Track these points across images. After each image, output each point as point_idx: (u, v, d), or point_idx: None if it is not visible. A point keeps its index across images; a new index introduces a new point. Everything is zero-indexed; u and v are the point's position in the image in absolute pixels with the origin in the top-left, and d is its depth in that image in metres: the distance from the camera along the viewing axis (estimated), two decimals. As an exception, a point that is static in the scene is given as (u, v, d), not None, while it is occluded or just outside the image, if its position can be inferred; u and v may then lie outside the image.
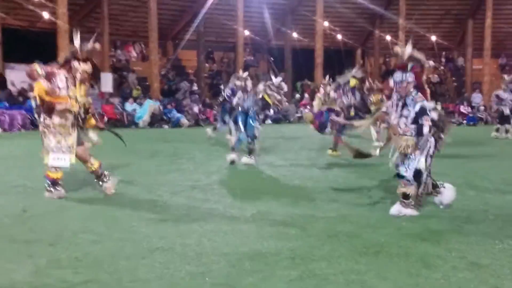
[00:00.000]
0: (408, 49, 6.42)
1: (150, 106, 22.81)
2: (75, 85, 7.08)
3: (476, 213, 6.26)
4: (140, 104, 23.26)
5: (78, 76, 7.05)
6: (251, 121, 10.31)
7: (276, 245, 4.94)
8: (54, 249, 4.86)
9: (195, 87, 27.94)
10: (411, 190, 6.13)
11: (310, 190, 7.88)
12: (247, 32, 29.55)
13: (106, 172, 7.42)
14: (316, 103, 12.62)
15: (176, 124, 22.80)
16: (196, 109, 24.78)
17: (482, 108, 27.63)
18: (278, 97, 10.72)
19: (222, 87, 25.06)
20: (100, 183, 7.33)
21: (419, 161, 6.10)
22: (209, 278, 4.12)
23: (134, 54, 29.43)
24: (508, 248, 4.90)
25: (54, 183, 7.09)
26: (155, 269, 4.32)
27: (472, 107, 28.06)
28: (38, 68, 7.09)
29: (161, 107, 23.53)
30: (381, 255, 4.70)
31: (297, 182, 8.58)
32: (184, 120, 23.00)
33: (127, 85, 26.16)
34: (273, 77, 11.03)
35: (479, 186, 8.15)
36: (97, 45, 7.38)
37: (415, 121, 6.03)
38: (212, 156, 11.82)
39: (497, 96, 17.58)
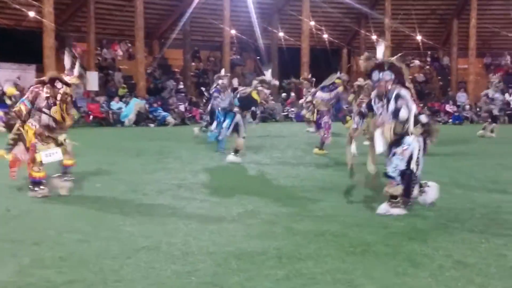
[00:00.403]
0: (380, 53, 6.39)
1: (136, 104, 22.71)
2: (55, 104, 7.05)
3: (463, 212, 6.27)
4: (126, 103, 23.15)
5: (59, 97, 7.01)
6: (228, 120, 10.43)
7: (262, 244, 4.92)
8: (38, 248, 4.80)
9: (181, 86, 27.87)
10: (398, 190, 6.13)
11: (296, 189, 7.86)
12: (233, 31, 29.51)
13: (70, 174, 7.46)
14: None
15: (162, 122, 22.72)
16: (182, 107, 24.74)
17: (467, 107, 27.81)
18: (268, 93, 10.72)
19: (203, 88, 25.28)
20: (65, 178, 7.32)
21: (411, 162, 6.09)
22: (195, 277, 4.09)
23: (120, 52, 29.30)
24: (494, 247, 4.91)
25: (38, 182, 7.04)
26: (141, 268, 4.28)
27: (458, 106, 28.24)
28: (24, 107, 7.08)
29: (147, 106, 23.46)
30: (368, 254, 4.69)
31: (283, 181, 8.56)
32: (170, 119, 22.93)
33: (113, 83, 26.05)
34: (265, 72, 10.99)
35: (465, 184, 8.18)
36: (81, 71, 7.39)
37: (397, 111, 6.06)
38: (199, 155, 11.78)
39: (487, 96, 17.66)
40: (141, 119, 22.65)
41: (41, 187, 7.05)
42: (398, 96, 6.06)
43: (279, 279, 4.06)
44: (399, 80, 6.21)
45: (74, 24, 27.68)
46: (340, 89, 12.00)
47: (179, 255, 4.60)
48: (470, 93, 29.28)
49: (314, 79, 16.90)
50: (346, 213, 6.26)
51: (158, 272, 4.19)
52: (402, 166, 6.10)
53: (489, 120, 17.82)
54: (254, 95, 10.46)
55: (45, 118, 7.06)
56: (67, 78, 7.11)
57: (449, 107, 28.00)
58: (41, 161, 7.02)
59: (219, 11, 28.51)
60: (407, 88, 6.22)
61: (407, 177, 6.17)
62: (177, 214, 6.17)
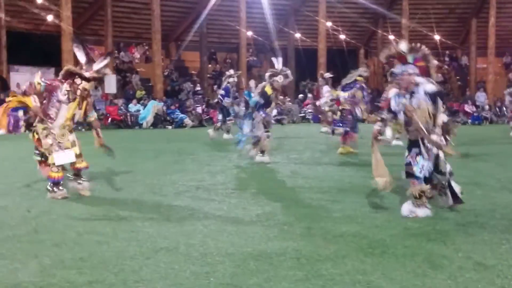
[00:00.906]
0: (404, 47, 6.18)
1: (154, 107, 22.84)
2: (74, 100, 7.08)
3: (483, 213, 6.21)
4: (144, 105, 23.29)
5: (78, 92, 7.04)
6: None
7: (281, 245, 4.92)
8: (58, 249, 4.85)
9: (198, 88, 27.98)
10: (421, 188, 5.98)
11: (314, 190, 7.84)
12: (249, 33, 29.54)
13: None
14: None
15: (180, 124, 22.81)
16: (199, 109, 24.80)
17: (486, 107, 27.56)
18: (284, 82, 10.63)
19: (215, 88, 25.39)
20: (80, 181, 7.28)
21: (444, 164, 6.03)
22: (214, 278, 4.10)
23: (137, 55, 29.50)
24: (515, 248, 4.87)
25: (56, 183, 7.08)
26: (160, 269, 4.30)
27: (477, 106, 27.99)
28: (39, 80, 7.05)
29: (164, 108, 23.55)
30: (387, 255, 4.67)
31: (301, 182, 8.55)
32: (187, 121, 23.01)
33: (131, 86, 26.21)
34: (275, 62, 10.91)
35: (485, 185, 8.10)
36: (108, 71, 7.34)
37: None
38: (216, 156, 11.81)
39: (511, 95, 17.44)
40: (159, 121, 22.77)
41: (60, 187, 7.10)
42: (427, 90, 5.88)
43: (298, 280, 4.06)
44: (424, 76, 6.02)
45: (92, 27, 27.93)
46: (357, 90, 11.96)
47: (197, 256, 4.62)
48: (489, 92, 29.01)
49: (331, 76, 16.76)
50: (364, 214, 6.23)
51: (177, 273, 4.21)
52: (429, 167, 6.01)
53: None
54: (267, 89, 10.43)
55: (63, 112, 7.07)
56: (86, 74, 7.04)
57: (468, 107, 27.76)
58: (55, 164, 7.06)
59: (235, 13, 28.57)
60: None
61: (447, 179, 6.11)
62: (195, 215, 6.19)
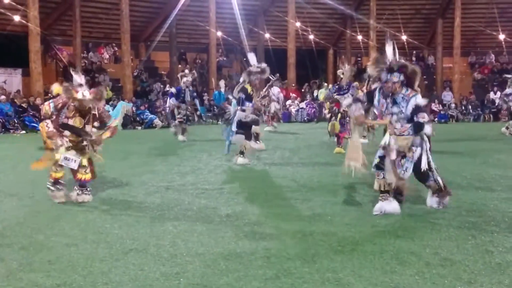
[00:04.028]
0: (389, 53, 6.20)
1: (123, 107, 22.63)
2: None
3: (450, 210, 6.31)
4: (113, 106, 23.07)
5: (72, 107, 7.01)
6: None
7: (251, 245, 4.94)
8: (26, 252, 4.79)
9: (168, 88, 27.81)
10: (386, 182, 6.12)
11: (284, 190, 7.88)
12: (219, 33, 29.51)
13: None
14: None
15: (150, 125, 22.68)
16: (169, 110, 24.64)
17: (452, 105, 28.01)
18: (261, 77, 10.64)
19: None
20: (79, 192, 7.05)
21: (423, 162, 6.11)
22: (184, 278, 4.09)
23: (106, 56, 29.24)
24: (481, 244, 4.96)
25: (56, 182, 6.99)
26: (129, 270, 4.28)
27: (443, 105, 28.42)
28: (47, 107, 7.10)
29: (134, 109, 23.38)
30: (356, 252, 4.72)
31: (271, 182, 8.58)
32: (157, 121, 22.90)
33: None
34: (249, 57, 10.93)
35: (452, 182, 8.18)
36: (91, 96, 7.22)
37: (411, 119, 6.02)
38: (186, 156, 11.77)
39: (505, 95, 17.55)
40: (128, 122, 22.59)
41: (58, 186, 6.98)
42: (417, 109, 5.98)
43: (268, 279, 4.07)
44: (408, 83, 6.11)
45: (60, 28, 27.59)
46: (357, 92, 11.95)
47: (167, 257, 4.60)
48: (455, 91, 29.51)
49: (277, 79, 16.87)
50: (334, 212, 6.28)
51: (146, 274, 4.20)
52: (411, 168, 6.09)
53: (510, 117, 17.57)
54: (247, 86, 10.43)
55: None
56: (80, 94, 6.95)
57: (434, 106, 28.16)
58: (58, 162, 6.96)
59: (204, 13, 28.52)
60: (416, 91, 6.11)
61: (434, 174, 6.28)
62: (165, 216, 6.17)
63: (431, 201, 6.38)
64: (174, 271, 4.26)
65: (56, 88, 7.26)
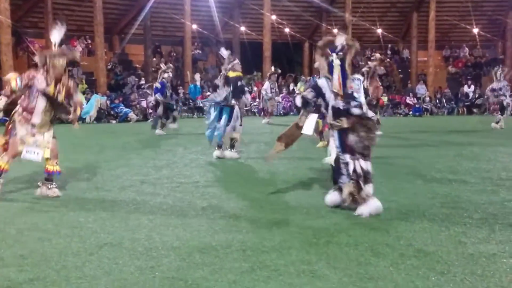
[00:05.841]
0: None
1: (97, 101, 22.46)
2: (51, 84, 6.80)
3: (423, 202, 6.38)
4: (87, 99, 22.85)
5: (51, 72, 6.75)
6: None
7: (226, 238, 4.92)
8: (-3, 247, 4.71)
9: (142, 82, 27.65)
10: (350, 188, 5.84)
11: (260, 183, 7.89)
12: (194, 26, 29.38)
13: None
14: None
15: (124, 119, 22.53)
16: (144, 103, 24.53)
17: (427, 99, 28.30)
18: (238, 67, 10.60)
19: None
20: (49, 186, 6.92)
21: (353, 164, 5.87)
22: (159, 272, 4.07)
23: (79, 48, 28.89)
24: (454, 235, 5.01)
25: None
26: (103, 264, 4.23)
27: (418, 98, 28.70)
28: (14, 82, 6.72)
29: (108, 102, 23.20)
30: (331, 244, 4.73)
31: (247, 175, 8.58)
32: (132, 115, 22.78)
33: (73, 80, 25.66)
34: (221, 52, 10.91)
35: (426, 175, 8.31)
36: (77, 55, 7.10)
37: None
38: (161, 150, 11.72)
39: (492, 90, 17.59)
40: (103, 115, 22.41)
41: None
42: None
43: (244, 272, 4.07)
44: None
45: (31, 20, 27.21)
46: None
47: (142, 251, 4.57)
48: (430, 85, 29.83)
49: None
50: (309, 204, 6.29)
51: (121, 268, 4.16)
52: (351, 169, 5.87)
53: (499, 112, 17.49)
54: (231, 74, 10.34)
55: (42, 102, 6.80)
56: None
57: (409, 100, 28.43)
58: (20, 153, 6.76)
59: (179, 5, 28.37)
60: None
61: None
62: (140, 210, 6.12)
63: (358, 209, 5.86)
64: (149, 264, 4.23)
65: (12, 76, 6.94)
